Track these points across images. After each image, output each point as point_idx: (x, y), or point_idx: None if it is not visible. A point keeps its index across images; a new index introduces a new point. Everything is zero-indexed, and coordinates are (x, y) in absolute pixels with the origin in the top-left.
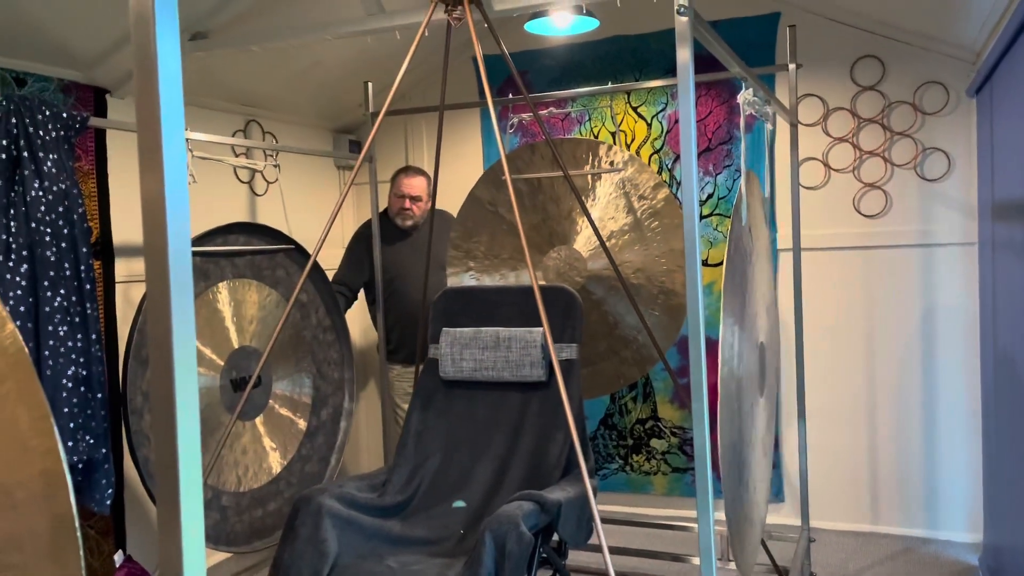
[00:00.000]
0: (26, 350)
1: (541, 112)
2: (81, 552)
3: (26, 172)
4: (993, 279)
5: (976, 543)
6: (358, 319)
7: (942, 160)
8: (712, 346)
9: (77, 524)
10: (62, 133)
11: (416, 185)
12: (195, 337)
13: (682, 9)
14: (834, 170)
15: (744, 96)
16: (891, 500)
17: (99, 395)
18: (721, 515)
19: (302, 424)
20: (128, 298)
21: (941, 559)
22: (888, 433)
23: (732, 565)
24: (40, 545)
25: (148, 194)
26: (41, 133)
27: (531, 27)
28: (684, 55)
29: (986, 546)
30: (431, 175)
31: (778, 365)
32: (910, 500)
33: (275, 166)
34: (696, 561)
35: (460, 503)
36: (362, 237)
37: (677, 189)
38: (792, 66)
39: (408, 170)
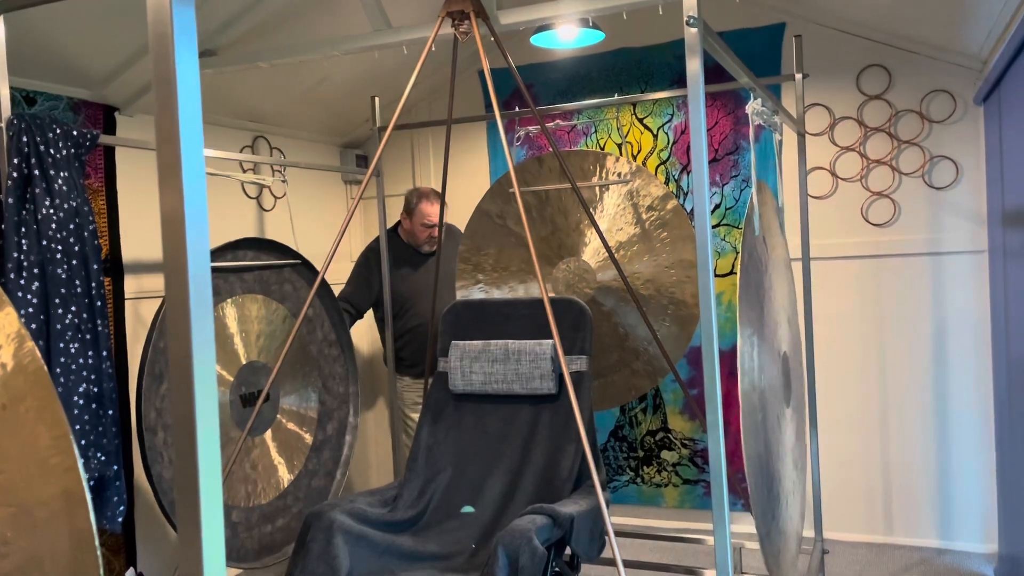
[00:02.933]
0: (45, 368)
1: (547, 124)
2: (101, 572)
3: (37, 190)
4: (1005, 286)
5: (991, 553)
6: (366, 334)
7: (950, 168)
8: (723, 357)
9: (98, 543)
10: (73, 151)
11: (436, 212)
12: (215, 353)
13: (692, 20)
14: (841, 179)
15: (753, 106)
16: (905, 511)
17: (110, 412)
18: (738, 527)
19: (308, 439)
20: (138, 314)
21: (956, 570)
22: (901, 443)
23: None
24: (60, 564)
25: (168, 211)
26: (52, 151)
27: (537, 40)
28: (694, 66)
29: (1002, 556)
30: (439, 191)
31: (802, 375)
32: (924, 510)
33: (283, 181)
34: (709, 574)
35: (469, 508)
36: (371, 256)
37: (684, 200)
38: (798, 76)
39: (429, 196)
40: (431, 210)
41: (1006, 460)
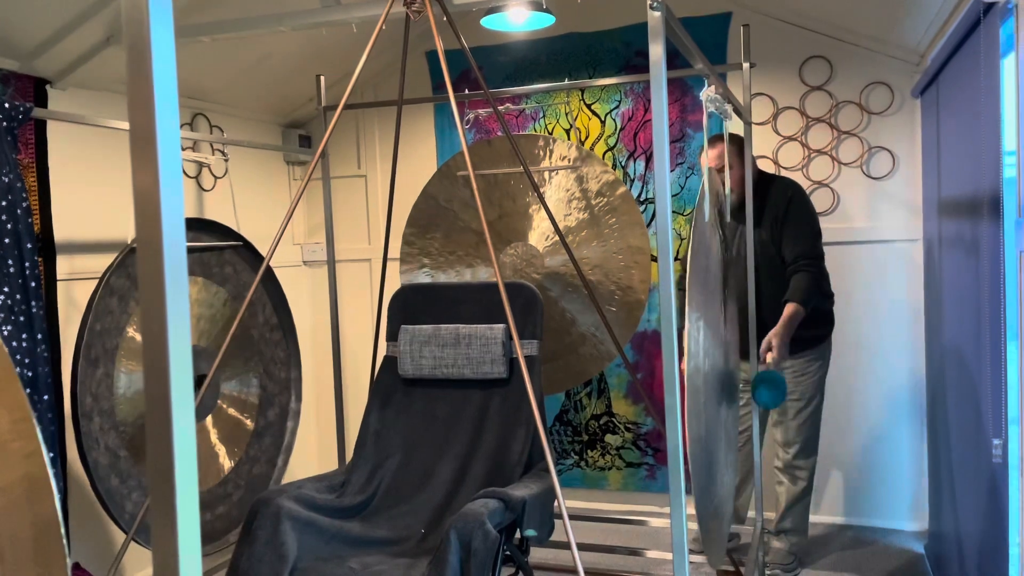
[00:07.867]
0: (5, 349)
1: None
2: (68, 560)
3: None
4: (940, 274)
5: (922, 531)
6: (307, 315)
7: (887, 159)
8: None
9: (63, 530)
10: (4, 124)
11: (716, 155)
12: (190, 334)
13: (655, 4)
14: (784, 168)
15: (707, 93)
16: (839, 491)
17: (45, 397)
18: (691, 510)
19: (249, 424)
20: (71, 297)
21: (889, 548)
22: (836, 425)
23: (697, 558)
24: (22, 552)
25: (142, 188)
26: None
27: (487, 22)
28: (656, 50)
29: (931, 534)
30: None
31: (739, 360)
32: (858, 491)
33: (224, 160)
34: (652, 554)
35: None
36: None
37: (631, 186)
38: (746, 65)
39: (715, 138)
40: (712, 152)
41: (936, 441)
